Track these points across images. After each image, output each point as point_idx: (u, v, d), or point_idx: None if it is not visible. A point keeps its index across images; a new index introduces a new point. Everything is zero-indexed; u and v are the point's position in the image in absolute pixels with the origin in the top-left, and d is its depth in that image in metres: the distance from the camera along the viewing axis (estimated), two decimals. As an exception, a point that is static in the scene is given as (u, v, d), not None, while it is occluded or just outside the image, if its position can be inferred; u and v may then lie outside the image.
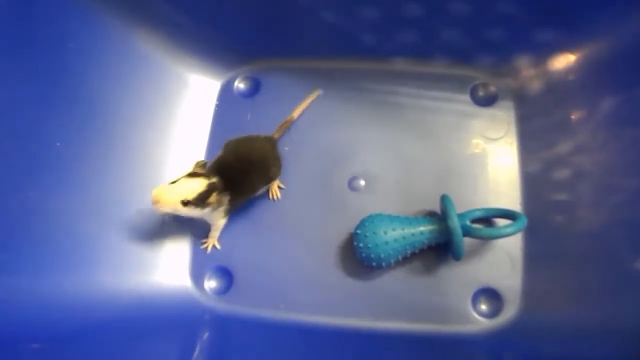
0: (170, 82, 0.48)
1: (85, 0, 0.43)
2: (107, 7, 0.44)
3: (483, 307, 0.41)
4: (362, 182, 0.46)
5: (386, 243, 0.39)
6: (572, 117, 0.43)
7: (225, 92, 0.51)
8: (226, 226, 0.45)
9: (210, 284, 0.44)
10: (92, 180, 0.42)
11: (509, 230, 0.39)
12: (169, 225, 0.44)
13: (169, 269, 0.44)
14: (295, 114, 0.48)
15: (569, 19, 0.43)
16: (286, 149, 0.47)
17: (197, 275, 0.44)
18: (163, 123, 0.47)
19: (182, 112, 0.48)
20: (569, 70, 0.44)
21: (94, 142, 0.42)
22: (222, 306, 0.43)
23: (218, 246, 0.45)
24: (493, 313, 0.41)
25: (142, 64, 0.46)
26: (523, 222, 0.39)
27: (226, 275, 0.44)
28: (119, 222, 0.42)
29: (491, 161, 0.45)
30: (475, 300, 0.41)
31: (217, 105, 0.50)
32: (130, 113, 0.45)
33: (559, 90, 0.44)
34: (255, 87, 0.51)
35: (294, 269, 0.44)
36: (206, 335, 0.41)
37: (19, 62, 0.39)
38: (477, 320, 0.41)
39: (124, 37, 0.45)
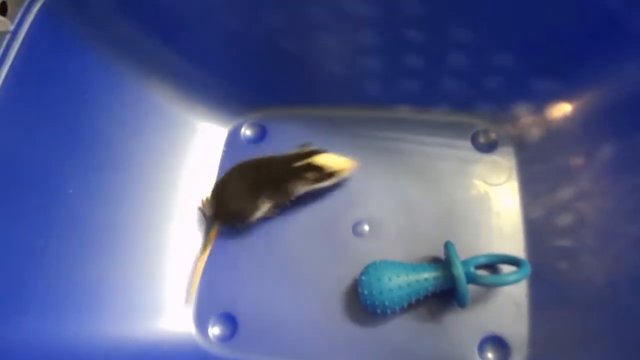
0: (179, 129, 0.50)
1: (100, 53, 0.45)
2: (120, 59, 0.46)
3: (490, 355, 0.41)
4: (367, 227, 0.46)
5: (391, 290, 0.40)
6: (572, 163, 0.44)
7: (232, 138, 0.52)
8: (230, 271, 0.45)
9: (214, 330, 0.44)
10: (100, 226, 0.42)
11: (513, 277, 0.39)
12: (173, 271, 0.45)
13: (173, 315, 0.44)
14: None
15: (564, 69, 0.44)
16: None
17: (201, 322, 0.44)
18: (173, 168, 0.48)
19: (191, 157, 0.50)
20: (566, 118, 0.45)
21: (104, 190, 0.43)
22: (226, 353, 0.43)
23: None
24: (500, 362, 0.40)
25: (152, 111, 0.48)
26: (527, 269, 0.39)
27: (230, 321, 0.44)
28: (125, 267, 0.43)
29: (494, 207, 0.46)
30: (481, 348, 0.41)
31: (224, 152, 0.51)
32: (141, 159, 0.46)
33: (558, 137, 0.45)
34: (261, 134, 0.52)
35: (298, 315, 0.44)
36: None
37: (37, 111, 0.40)
38: (484, 369, 0.40)
39: (136, 86, 0.47)
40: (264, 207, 0.45)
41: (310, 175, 0.45)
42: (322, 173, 0.45)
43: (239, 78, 0.50)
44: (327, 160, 0.45)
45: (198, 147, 0.50)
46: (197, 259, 0.46)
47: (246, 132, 0.52)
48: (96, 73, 0.44)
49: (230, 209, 0.45)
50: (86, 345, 0.38)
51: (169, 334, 0.43)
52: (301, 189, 0.45)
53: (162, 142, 0.48)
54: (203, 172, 0.50)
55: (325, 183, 0.46)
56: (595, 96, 0.44)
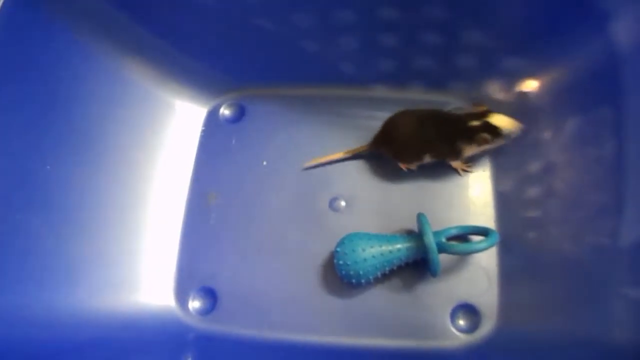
0: (157, 108, 0.50)
1: (76, 32, 0.45)
2: (96, 37, 0.46)
3: (461, 322, 0.42)
4: (343, 203, 0.48)
5: (365, 260, 0.41)
6: (541, 137, 0.45)
7: (211, 118, 0.53)
8: (210, 246, 0.46)
9: (195, 304, 0.45)
10: (78, 202, 0.43)
11: (482, 245, 0.40)
12: (151, 247, 0.45)
13: (153, 288, 0.44)
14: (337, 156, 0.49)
15: (531, 47, 0.45)
16: (264, 163, 0.49)
17: (181, 295, 0.45)
18: (150, 146, 0.49)
19: (169, 136, 0.50)
20: (535, 95, 0.47)
21: (82, 165, 0.44)
22: (206, 326, 0.44)
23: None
24: (471, 328, 0.42)
25: (130, 90, 0.48)
26: (495, 237, 0.41)
27: (210, 295, 0.45)
28: (103, 241, 0.43)
29: (466, 181, 0.47)
30: (453, 315, 0.42)
31: (202, 131, 0.52)
32: (118, 137, 0.46)
33: (528, 113, 0.46)
34: (240, 114, 0.53)
35: (277, 288, 0.45)
36: (190, 355, 0.42)
37: (13, 88, 0.40)
38: (456, 335, 0.42)
39: (112, 65, 0.47)
40: (427, 159, 0.46)
41: (485, 135, 0.44)
42: (496, 134, 0.44)
43: (217, 58, 0.51)
44: (502, 120, 0.44)
45: (177, 127, 0.51)
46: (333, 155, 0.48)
47: (225, 111, 0.53)
48: (71, 52, 0.44)
49: (400, 151, 0.46)
50: (63, 317, 0.38)
51: (149, 307, 0.43)
52: (473, 149, 0.46)
53: (139, 121, 0.48)
54: (182, 151, 0.50)
55: (495, 144, 0.45)
56: (560, 73, 0.45)
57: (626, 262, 0.36)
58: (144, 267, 0.45)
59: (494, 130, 0.44)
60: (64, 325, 0.38)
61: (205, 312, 0.44)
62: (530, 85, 0.47)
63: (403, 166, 0.47)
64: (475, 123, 0.44)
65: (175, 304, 0.45)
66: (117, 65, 0.47)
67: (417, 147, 0.46)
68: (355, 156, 0.49)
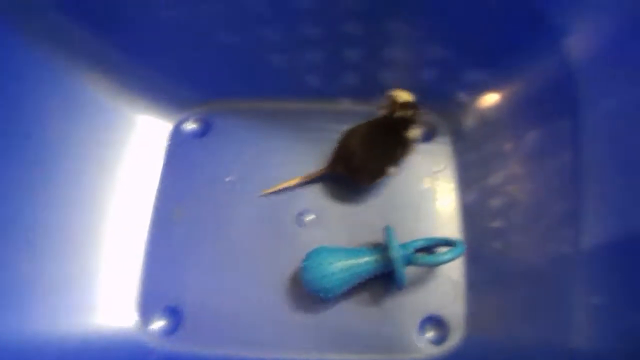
0: (117, 123, 0.49)
1: (31, 43, 0.43)
2: (52, 47, 0.44)
3: (429, 335, 0.42)
4: (310, 217, 0.47)
5: (332, 274, 0.40)
6: (503, 149, 0.46)
7: (177, 133, 0.52)
8: (174, 264, 0.45)
9: (158, 324, 0.43)
10: (30, 222, 0.41)
11: (448, 256, 0.40)
12: (111, 268, 0.44)
13: (114, 309, 0.43)
14: (295, 181, 0.48)
15: (491, 61, 0.47)
16: (230, 178, 0.49)
17: (144, 316, 0.43)
18: (110, 163, 0.47)
19: (131, 152, 0.49)
20: (496, 107, 0.48)
21: (34, 183, 0.42)
22: (171, 346, 0.42)
23: None
24: (439, 340, 0.42)
25: (88, 105, 0.46)
26: (461, 248, 0.41)
27: (175, 314, 0.44)
28: (57, 263, 0.41)
29: (432, 193, 0.48)
30: (421, 328, 0.42)
31: (168, 146, 0.51)
32: (74, 153, 0.44)
33: (490, 125, 0.47)
34: (206, 128, 0.52)
35: (244, 305, 0.44)
36: (153, 377, 0.41)
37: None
38: (424, 348, 0.42)
39: (69, 79, 0.45)
40: (392, 172, 0.46)
41: (412, 112, 0.44)
42: (409, 108, 0.44)
43: (182, 71, 0.50)
44: (403, 96, 0.44)
45: (140, 142, 0.50)
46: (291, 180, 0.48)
47: (191, 126, 0.52)
48: (25, 64, 0.43)
49: (360, 172, 0.46)
50: (11, 344, 0.36)
51: (109, 330, 0.42)
52: (418, 131, 0.46)
53: (99, 137, 0.47)
54: (146, 166, 0.49)
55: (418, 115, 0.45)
56: (519, 86, 0.46)
57: (585, 270, 0.37)
58: (104, 287, 0.43)
59: (408, 107, 0.44)
60: (11, 353, 0.36)
61: (169, 332, 0.43)
62: (491, 98, 0.48)
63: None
64: (399, 117, 0.44)
65: (137, 324, 0.43)
66: (73, 79, 0.46)
67: (378, 162, 0.46)
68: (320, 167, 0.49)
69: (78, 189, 0.44)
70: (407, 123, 0.45)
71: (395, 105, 0.44)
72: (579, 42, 0.42)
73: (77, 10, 0.44)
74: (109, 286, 0.43)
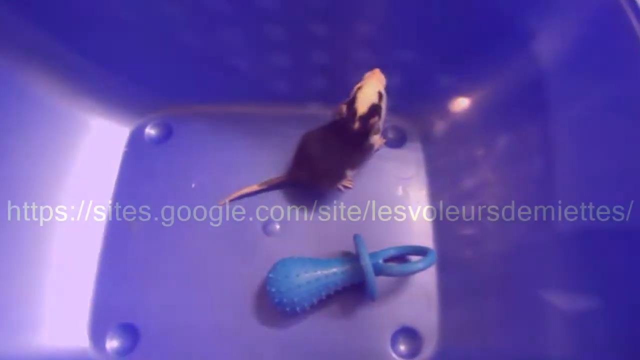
0: (69, 127, 0.46)
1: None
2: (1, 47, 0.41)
3: (402, 347, 0.41)
4: (277, 226, 0.45)
5: (299, 286, 0.38)
6: (473, 155, 0.45)
7: (135, 138, 0.49)
8: (130, 279, 0.42)
9: (112, 343, 0.40)
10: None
11: (420, 265, 0.39)
12: (59, 284, 0.41)
13: (63, 328, 0.39)
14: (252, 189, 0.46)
15: (459, 67, 0.46)
16: (193, 186, 0.46)
17: (97, 334, 0.40)
18: (60, 169, 0.44)
19: (85, 157, 0.46)
20: (465, 113, 0.47)
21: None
22: (126, 367, 0.39)
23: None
24: (412, 353, 0.40)
25: (38, 108, 0.43)
26: (433, 256, 0.40)
27: (131, 332, 0.40)
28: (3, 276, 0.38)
29: (403, 200, 0.46)
30: (394, 340, 0.41)
31: (125, 152, 0.48)
32: (21, 158, 0.41)
33: (460, 131, 0.47)
34: (167, 133, 0.50)
35: (206, 320, 0.41)
36: (106, 402, 0.37)
37: None
38: (397, 362, 0.40)
39: (19, 81, 0.42)
40: (349, 174, 0.46)
41: (374, 119, 0.42)
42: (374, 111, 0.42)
43: (140, 74, 0.48)
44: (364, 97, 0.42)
45: (93, 147, 0.47)
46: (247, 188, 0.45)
47: (150, 131, 0.50)
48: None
49: (320, 177, 0.45)
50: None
51: (58, 350, 0.38)
52: (378, 136, 0.45)
53: (49, 142, 0.44)
54: (100, 173, 0.46)
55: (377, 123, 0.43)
56: (489, 91, 0.46)
57: (561, 278, 0.36)
58: (51, 305, 0.40)
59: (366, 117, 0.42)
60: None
61: (124, 352, 0.40)
62: (461, 103, 0.47)
63: (339, 186, 0.46)
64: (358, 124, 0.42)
65: (89, 344, 0.40)
66: (23, 81, 0.42)
67: (335, 165, 0.44)
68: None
69: (25, 195, 0.41)
70: (366, 133, 0.43)
71: (354, 117, 0.42)
72: (547, 44, 0.42)
73: (28, 11, 0.41)
74: (56, 301, 0.40)
